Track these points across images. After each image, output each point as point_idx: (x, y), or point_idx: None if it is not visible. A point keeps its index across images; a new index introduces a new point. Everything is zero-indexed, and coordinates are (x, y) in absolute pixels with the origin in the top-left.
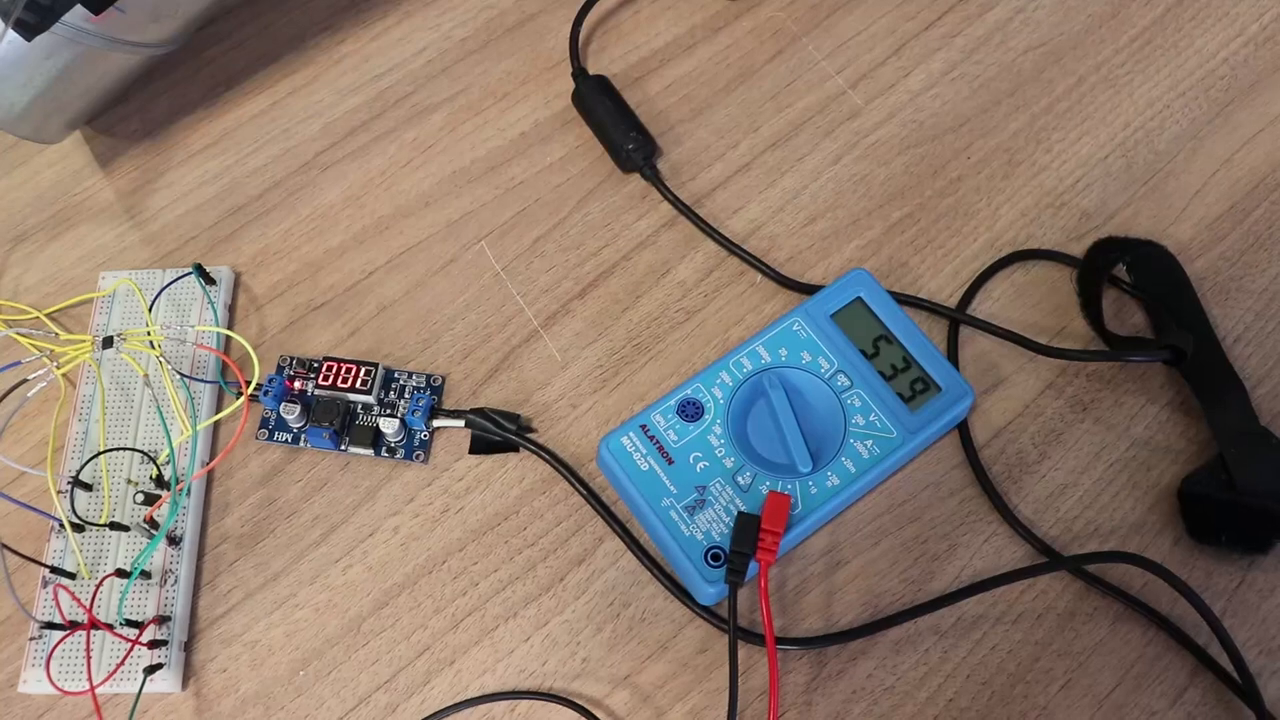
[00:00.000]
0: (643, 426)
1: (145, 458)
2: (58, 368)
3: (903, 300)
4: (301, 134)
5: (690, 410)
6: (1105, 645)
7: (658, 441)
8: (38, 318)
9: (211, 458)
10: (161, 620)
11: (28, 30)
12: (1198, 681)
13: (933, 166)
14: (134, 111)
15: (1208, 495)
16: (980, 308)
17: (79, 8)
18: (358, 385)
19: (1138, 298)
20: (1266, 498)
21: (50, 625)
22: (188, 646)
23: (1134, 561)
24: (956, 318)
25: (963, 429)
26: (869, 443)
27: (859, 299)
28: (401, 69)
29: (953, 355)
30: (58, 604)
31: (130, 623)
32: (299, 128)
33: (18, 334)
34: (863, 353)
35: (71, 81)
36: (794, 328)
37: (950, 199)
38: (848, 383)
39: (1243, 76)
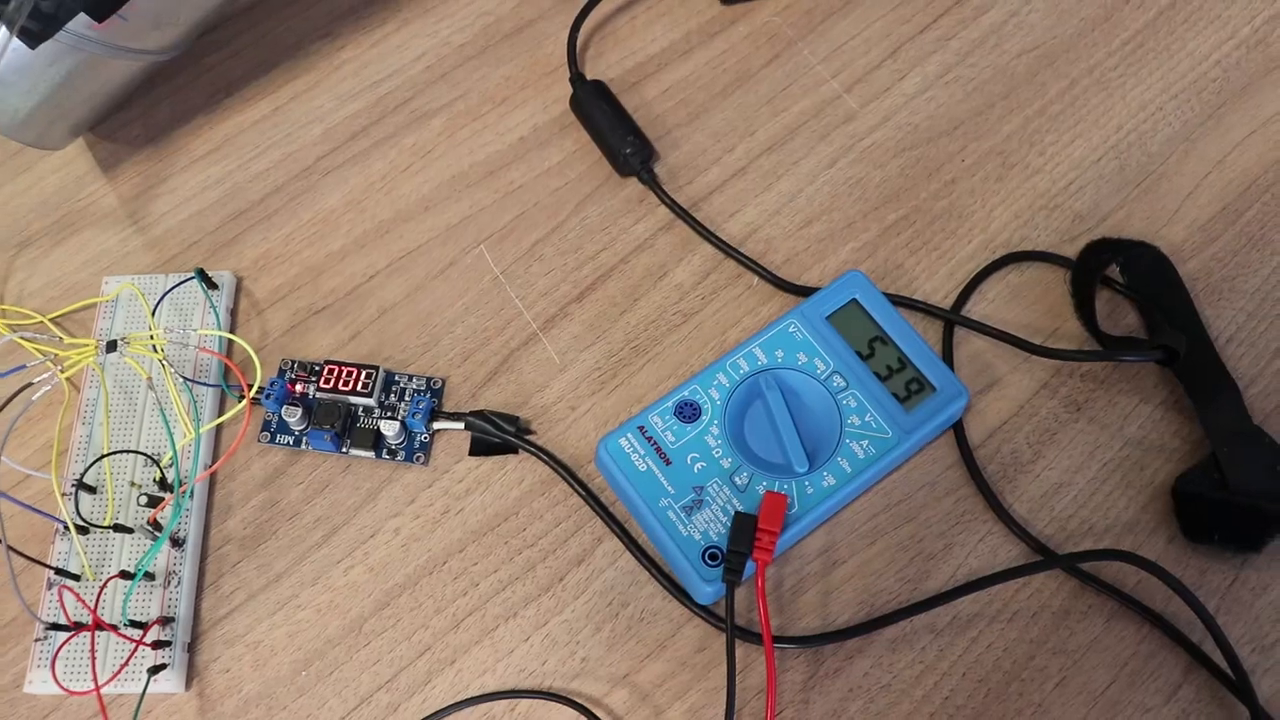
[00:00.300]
0: (640, 428)
1: (149, 460)
2: (62, 372)
3: (898, 301)
4: (302, 139)
5: (688, 411)
6: (1100, 643)
7: (655, 443)
8: (42, 322)
9: (214, 460)
10: (165, 621)
11: (32, 38)
12: (1192, 678)
13: (927, 169)
14: (136, 117)
15: (1201, 494)
16: (975, 309)
17: (82, 15)
18: (359, 388)
19: (1131, 298)
20: (1259, 496)
21: (55, 626)
22: (191, 647)
23: (1128, 559)
24: (951, 319)
25: (958, 429)
26: (864, 443)
27: (854, 300)
28: (401, 75)
29: (948, 356)
30: (62, 605)
31: (134, 624)
32: (300, 133)
33: (22, 338)
34: (858, 354)
35: (75, 88)
36: (790, 329)
37: (945, 201)
38: (843, 383)
39: (1234, 79)
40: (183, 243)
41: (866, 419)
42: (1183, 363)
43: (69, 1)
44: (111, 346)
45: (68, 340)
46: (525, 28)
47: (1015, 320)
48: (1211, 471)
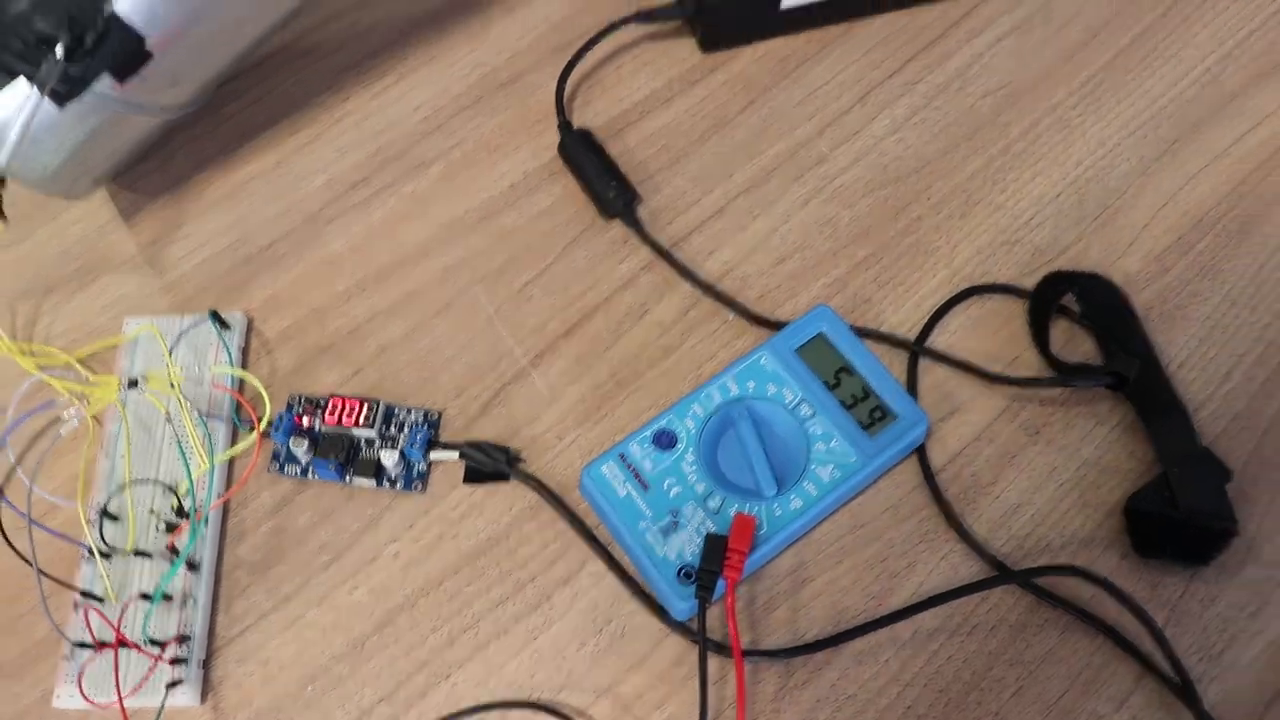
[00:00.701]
0: (621, 456)
1: (167, 490)
2: (87, 408)
3: (865, 334)
4: (308, 187)
5: (665, 440)
6: (1055, 654)
7: (635, 469)
8: (68, 362)
9: (227, 489)
10: (182, 639)
11: (60, 98)
12: (1142, 686)
13: (895, 208)
14: (155, 167)
15: (1152, 512)
16: (939, 339)
17: (105, 76)
18: (361, 421)
19: (1087, 326)
20: (1207, 515)
21: (81, 645)
22: (206, 664)
23: (1080, 574)
24: (915, 349)
25: (921, 453)
26: (830, 467)
27: (821, 334)
28: (401, 125)
29: (912, 384)
30: (88, 625)
31: (154, 642)
32: (306, 182)
33: (50, 377)
34: (825, 384)
35: (98, 144)
36: (761, 362)
37: (911, 238)
38: (810, 412)
39: (1189, 115)
40: (197, 286)
41: (832, 445)
42: (1134, 387)
43: (94, 64)
44: (132, 384)
45: (92, 378)
46: (518, 78)
47: (977, 349)
48: (1162, 490)
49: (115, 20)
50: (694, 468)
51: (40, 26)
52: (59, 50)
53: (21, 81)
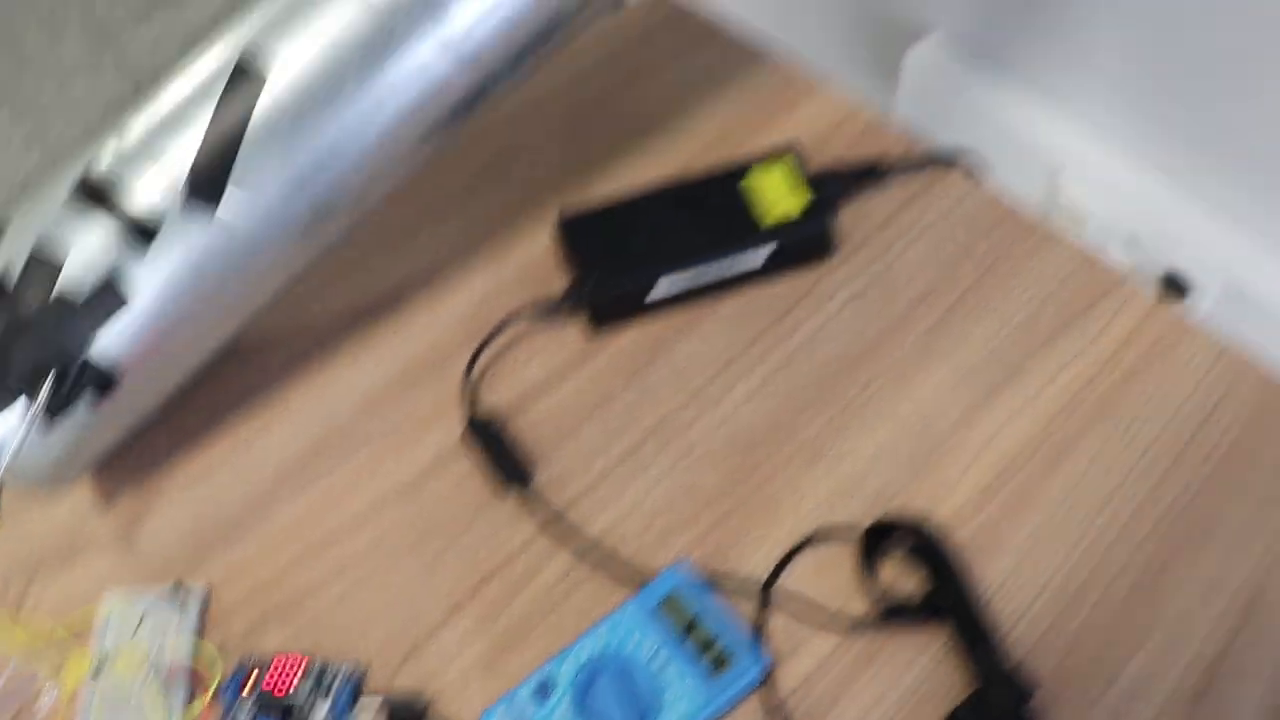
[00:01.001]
0: (507, 706)
1: None
2: (61, 687)
3: (723, 579)
4: (264, 469)
5: (544, 690)
6: None
7: (518, 718)
8: (51, 635)
9: None
10: None
11: (48, 419)
12: None
13: (751, 466)
14: (132, 452)
15: None
16: (787, 580)
17: (84, 400)
18: (297, 679)
19: (914, 561)
20: None
21: None
22: None
23: None
24: (764, 593)
25: (767, 686)
26: (682, 706)
27: (676, 589)
28: (341, 410)
29: (761, 624)
30: None
31: None
32: (262, 463)
33: (30, 651)
34: (679, 633)
35: (79, 451)
36: (625, 617)
37: (764, 493)
38: (666, 658)
39: (1009, 359)
40: (166, 559)
41: (685, 684)
42: (952, 617)
43: (74, 392)
44: (103, 658)
45: (71, 654)
46: (440, 362)
47: (819, 588)
48: (978, 707)
49: (88, 364)
50: (568, 713)
51: (32, 365)
52: (47, 382)
53: (16, 408)
